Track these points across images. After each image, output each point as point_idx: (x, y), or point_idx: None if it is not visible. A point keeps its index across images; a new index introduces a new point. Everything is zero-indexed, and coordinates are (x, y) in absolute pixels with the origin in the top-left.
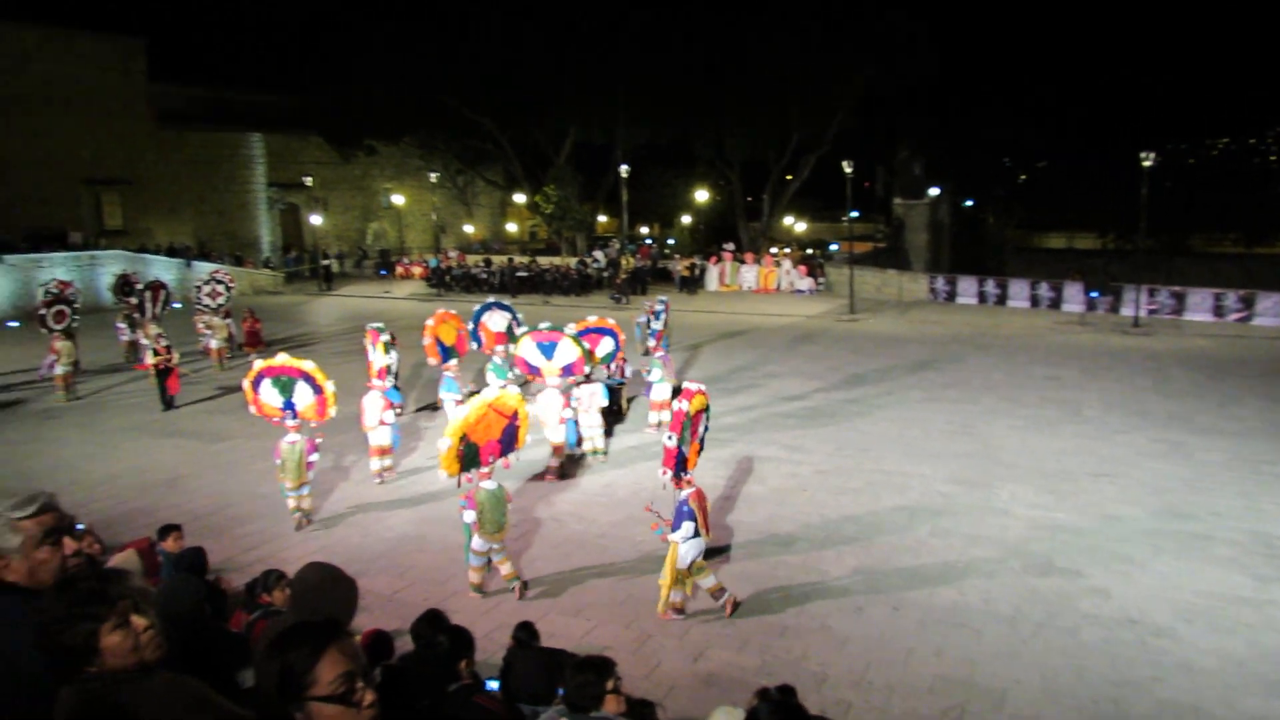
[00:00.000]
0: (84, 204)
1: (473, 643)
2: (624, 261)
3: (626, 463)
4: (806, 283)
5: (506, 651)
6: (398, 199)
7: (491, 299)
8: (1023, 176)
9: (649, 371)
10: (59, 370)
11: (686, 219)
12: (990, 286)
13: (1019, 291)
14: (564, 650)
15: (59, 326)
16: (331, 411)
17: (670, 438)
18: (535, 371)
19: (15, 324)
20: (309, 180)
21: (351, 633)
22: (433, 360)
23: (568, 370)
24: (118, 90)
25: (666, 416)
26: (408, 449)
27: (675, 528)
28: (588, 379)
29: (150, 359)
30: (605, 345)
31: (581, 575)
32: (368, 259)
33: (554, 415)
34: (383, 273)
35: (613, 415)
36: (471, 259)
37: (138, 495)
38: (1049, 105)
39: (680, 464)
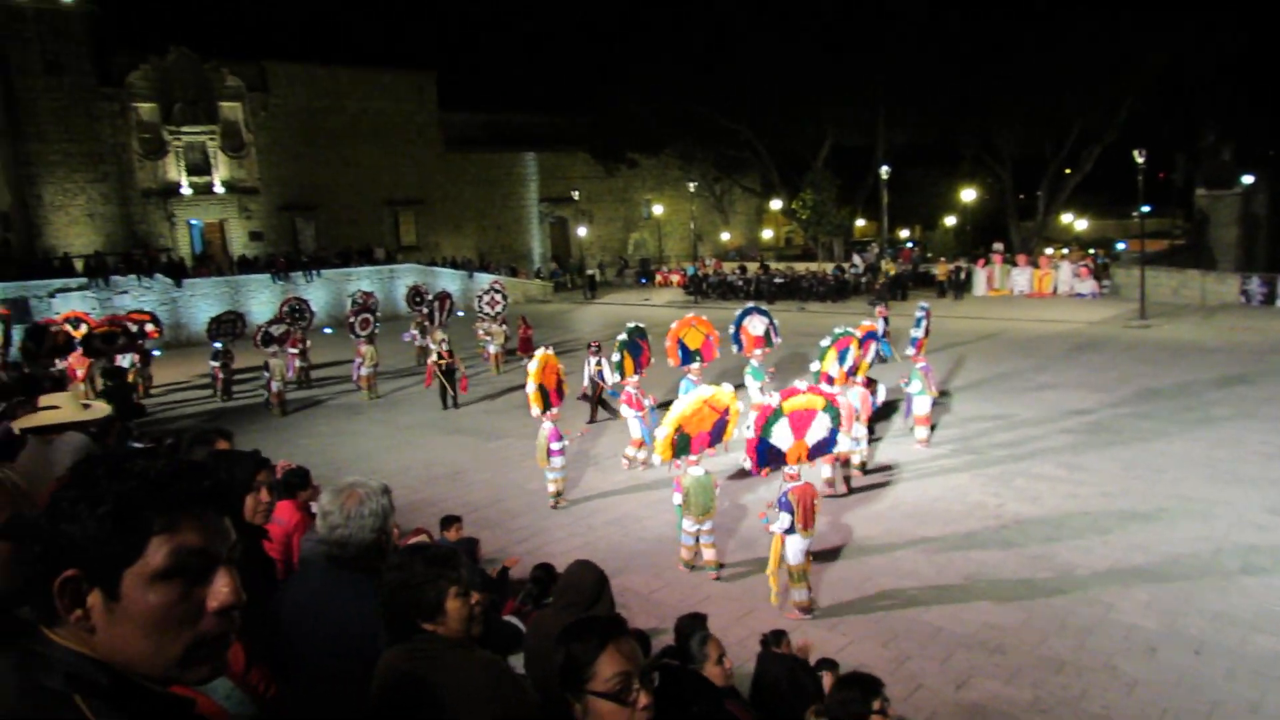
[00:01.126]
0: (385, 223)
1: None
2: (884, 266)
3: (891, 478)
4: (1088, 285)
5: (757, 658)
6: (657, 209)
7: (751, 304)
8: None
9: (908, 382)
10: (363, 371)
11: (951, 220)
12: None
13: None
14: (805, 661)
15: (364, 333)
16: (533, 410)
17: (749, 429)
18: (830, 381)
19: (329, 330)
20: (576, 194)
21: (632, 633)
22: (671, 361)
23: (851, 373)
24: (413, 119)
25: (923, 433)
26: None
27: (776, 519)
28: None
29: (432, 359)
30: (872, 348)
31: (837, 589)
32: (629, 268)
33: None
34: (643, 281)
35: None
36: (728, 266)
37: (425, 486)
38: None
39: (764, 457)
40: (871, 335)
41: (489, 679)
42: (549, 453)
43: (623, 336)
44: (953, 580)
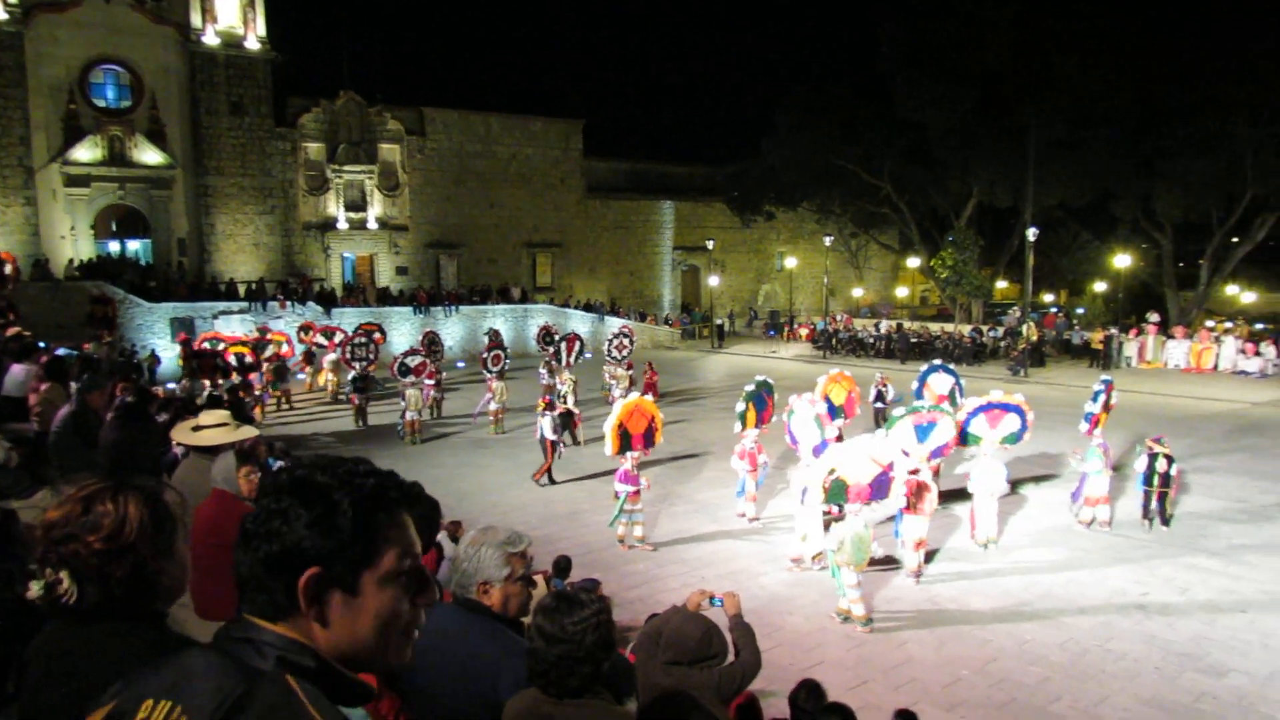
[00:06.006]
0: (522, 263)
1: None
2: (1025, 331)
3: (1033, 567)
4: (1255, 363)
5: None
6: (790, 262)
7: (938, 362)
8: None
9: (1080, 459)
10: (492, 406)
11: (1100, 286)
12: None
13: None
14: None
15: (495, 369)
16: (606, 448)
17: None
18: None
19: (461, 365)
20: (710, 244)
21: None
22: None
23: (936, 454)
24: (558, 165)
25: (1104, 513)
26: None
27: None
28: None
29: (558, 403)
30: (1009, 423)
31: (955, 663)
32: (757, 319)
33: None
34: (771, 333)
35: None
36: (859, 322)
37: (543, 524)
38: None
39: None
40: (1004, 405)
41: None
42: (615, 494)
43: (750, 388)
44: (1088, 669)
